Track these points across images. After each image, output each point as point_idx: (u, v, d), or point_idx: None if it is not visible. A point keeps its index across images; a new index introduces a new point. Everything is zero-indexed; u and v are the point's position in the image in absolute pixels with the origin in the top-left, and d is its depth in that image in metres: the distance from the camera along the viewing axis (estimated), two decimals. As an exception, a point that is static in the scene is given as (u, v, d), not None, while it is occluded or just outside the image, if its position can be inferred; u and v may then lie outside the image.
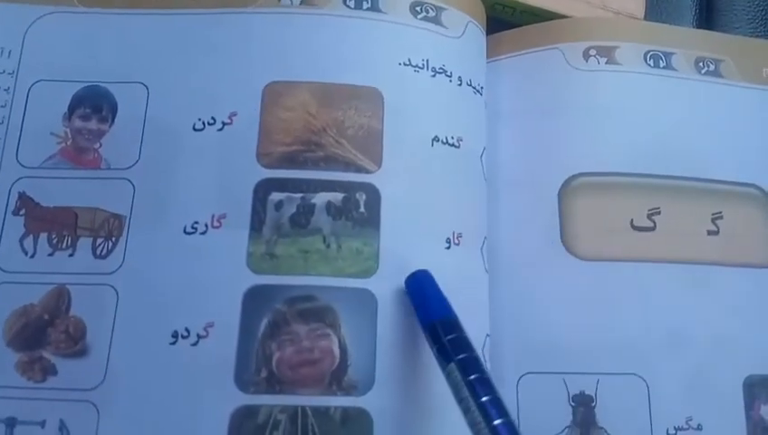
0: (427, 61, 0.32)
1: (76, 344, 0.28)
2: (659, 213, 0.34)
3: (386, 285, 0.29)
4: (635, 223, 0.34)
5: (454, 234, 0.31)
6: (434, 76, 0.32)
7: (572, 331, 0.32)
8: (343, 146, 0.30)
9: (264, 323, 0.28)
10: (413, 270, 0.29)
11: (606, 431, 0.31)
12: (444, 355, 0.26)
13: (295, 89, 0.31)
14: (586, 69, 0.36)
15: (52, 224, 0.30)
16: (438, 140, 0.32)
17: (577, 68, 0.36)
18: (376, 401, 0.27)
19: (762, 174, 0.35)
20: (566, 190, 0.34)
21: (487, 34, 0.36)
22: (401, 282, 0.29)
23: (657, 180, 0.35)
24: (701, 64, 0.37)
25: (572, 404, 0.31)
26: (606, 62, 0.36)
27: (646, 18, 0.39)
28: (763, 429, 0.32)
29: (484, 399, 0.24)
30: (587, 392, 0.31)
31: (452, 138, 0.32)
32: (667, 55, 0.37)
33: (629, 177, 0.35)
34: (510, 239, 0.34)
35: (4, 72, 0.32)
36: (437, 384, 0.28)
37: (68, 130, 0.31)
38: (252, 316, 0.28)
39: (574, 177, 0.34)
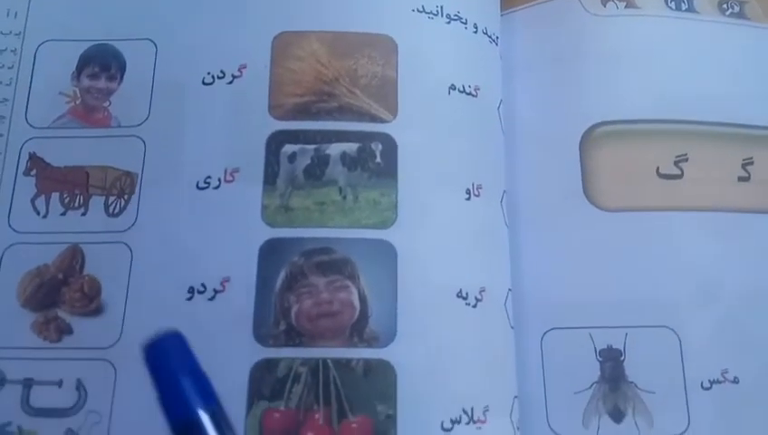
0: (442, 7, 0.31)
1: (91, 303, 0.27)
2: (687, 160, 0.33)
3: (405, 236, 0.28)
4: (661, 171, 0.33)
5: (473, 185, 0.30)
6: (449, 23, 0.31)
7: (598, 284, 0.31)
8: (357, 95, 0.30)
9: (282, 276, 0.27)
10: (430, 221, 0.28)
11: (636, 386, 0.30)
12: None
13: (305, 39, 0.30)
14: (605, 14, 0.35)
15: (63, 183, 0.29)
16: (455, 89, 0.31)
17: (595, 14, 0.35)
18: (399, 352, 0.26)
19: (793, 117, 0.34)
20: (587, 140, 0.33)
21: (501, -13, 0.35)
22: (421, 232, 0.28)
23: (683, 126, 0.33)
24: (725, 6, 0.36)
25: (600, 359, 0.30)
26: (625, 7, 0.35)
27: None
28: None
29: None
30: (615, 346, 0.30)
31: (469, 86, 0.31)
32: (690, -2, 0.35)
33: (654, 123, 0.33)
34: (530, 193, 0.32)
35: (10, 32, 0.31)
36: (461, 334, 0.28)
37: (77, 89, 0.30)
38: (268, 270, 0.27)
39: (595, 126, 0.33)
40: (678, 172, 0.33)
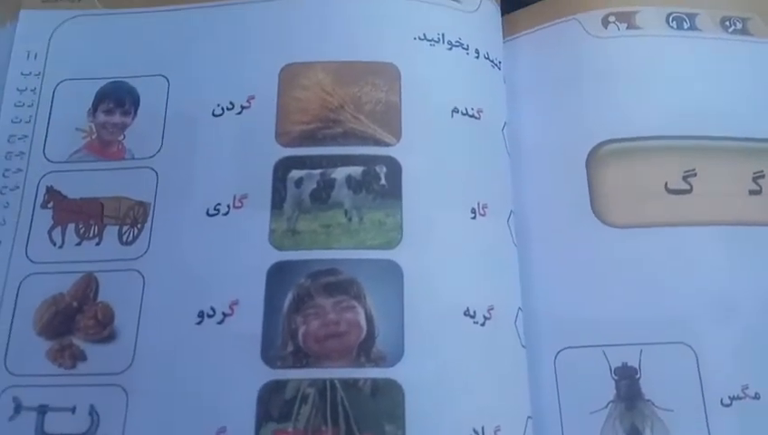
0: (443, 35, 0.32)
1: (104, 330, 0.28)
2: (695, 174, 0.33)
3: (411, 255, 0.28)
4: (669, 186, 0.33)
5: (479, 204, 0.30)
6: (450, 49, 0.32)
7: (610, 301, 0.31)
8: (361, 121, 0.30)
9: (289, 298, 0.27)
10: (435, 240, 0.28)
11: (653, 404, 0.29)
12: None
13: (310, 69, 0.31)
14: (606, 36, 0.35)
15: (79, 215, 0.30)
16: (458, 111, 0.31)
17: (597, 36, 0.35)
18: (406, 371, 0.26)
19: (802, 129, 0.34)
20: (593, 159, 0.33)
21: (502, 14, 0.35)
22: (427, 252, 0.28)
23: (690, 141, 0.33)
24: (727, 23, 0.36)
25: (615, 377, 0.30)
26: (626, 28, 0.35)
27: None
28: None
29: None
30: (630, 364, 0.30)
31: (472, 109, 0.32)
32: (691, 16, 0.36)
33: (659, 139, 0.33)
34: (538, 213, 0.33)
35: (30, 73, 0.33)
36: (469, 352, 0.27)
37: (93, 124, 0.32)
38: (276, 292, 0.28)
39: (601, 144, 0.33)
40: (687, 187, 0.33)
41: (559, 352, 0.30)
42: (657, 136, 0.33)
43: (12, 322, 0.28)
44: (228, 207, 0.29)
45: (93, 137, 0.31)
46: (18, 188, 0.31)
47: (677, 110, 0.34)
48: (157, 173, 0.30)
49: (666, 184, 0.33)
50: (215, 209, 0.29)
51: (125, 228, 0.30)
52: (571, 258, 0.32)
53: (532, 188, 0.33)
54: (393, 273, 0.28)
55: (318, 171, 0.29)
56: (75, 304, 0.28)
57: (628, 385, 0.29)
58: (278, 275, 0.28)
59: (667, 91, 0.34)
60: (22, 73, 0.33)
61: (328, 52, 0.31)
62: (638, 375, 0.30)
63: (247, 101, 0.31)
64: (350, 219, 0.29)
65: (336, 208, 0.29)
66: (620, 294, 0.31)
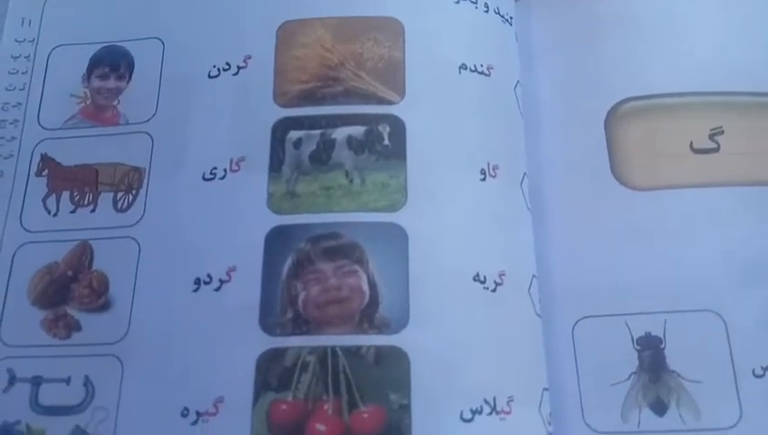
0: (448, -13, 0.31)
1: (99, 298, 0.27)
2: (722, 132, 0.31)
3: (416, 218, 0.27)
4: (695, 145, 0.31)
5: (489, 165, 0.28)
6: (457, 2, 0.30)
7: (632, 268, 0.29)
8: (363, 78, 0.29)
9: (288, 263, 0.26)
10: (442, 203, 0.27)
11: (679, 375, 0.27)
12: None
13: (309, 26, 0.30)
14: (626, -13, 0.33)
15: (73, 182, 0.29)
16: (466, 68, 0.29)
17: (616, -12, 0.33)
18: (412, 338, 0.25)
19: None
20: (612, 118, 0.31)
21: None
22: (433, 214, 0.27)
23: (717, 98, 0.31)
24: (758, -30, 0.33)
25: (637, 348, 0.28)
26: (647, -22, 0.33)
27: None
28: None
29: None
30: (654, 334, 0.28)
31: (481, 66, 0.30)
32: (718, -37, 0.33)
33: (685, 96, 0.31)
34: (554, 176, 0.31)
35: (24, 40, 0.32)
36: (479, 319, 0.26)
37: (87, 90, 0.31)
38: (275, 257, 0.26)
39: (620, 103, 0.32)
40: (714, 146, 0.31)
41: (577, 322, 0.29)
42: (682, 93, 0.31)
43: (6, 292, 0.28)
44: (225, 170, 0.28)
45: (88, 102, 0.31)
46: (12, 156, 0.30)
47: (703, 64, 0.32)
48: (152, 138, 0.29)
49: (691, 143, 0.31)
50: (211, 174, 0.28)
51: (120, 195, 0.29)
52: (590, 223, 0.30)
53: (547, 150, 0.31)
54: (397, 236, 0.26)
55: (317, 132, 0.28)
56: (70, 272, 0.28)
57: (651, 356, 0.28)
58: (277, 240, 0.27)
59: (692, 44, 0.32)
60: (16, 40, 0.32)
61: (327, 7, 0.30)
62: (663, 345, 0.28)
63: (244, 61, 0.30)
64: (351, 181, 0.27)
65: (337, 170, 0.27)
66: (643, 260, 0.29)
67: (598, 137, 0.31)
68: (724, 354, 0.27)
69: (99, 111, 0.30)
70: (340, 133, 0.28)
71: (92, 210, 0.29)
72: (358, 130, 0.28)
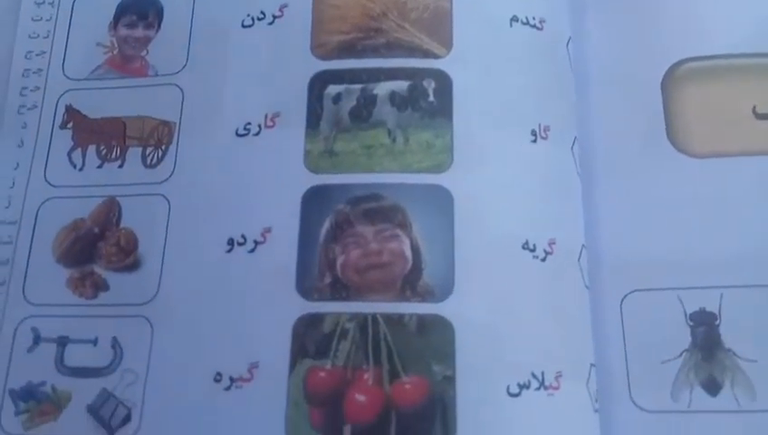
0: (499, -66, 0.28)
1: (128, 257, 0.26)
2: (788, 97, 0.29)
3: (462, 180, 0.25)
4: (758, 110, 0.29)
5: (540, 126, 0.27)
6: (507, -49, 0.28)
7: (686, 240, 0.27)
8: (406, 30, 0.27)
9: (326, 225, 0.25)
10: (490, 164, 0.25)
11: (734, 353, 0.26)
12: None
13: (350, -27, 0.28)
14: (687, -62, 0.31)
15: (100, 135, 0.28)
16: (518, 21, 0.28)
17: (676, -61, 0.31)
18: (457, 307, 0.24)
19: None
20: (670, 80, 0.29)
21: None
22: (480, 177, 0.25)
23: (783, 60, 0.29)
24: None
25: (691, 323, 0.26)
26: (711, -72, 0.31)
27: None
28: None
29: None
30: (708, 309, 0.26)
31: (533, 18, 0.28)
32: None
33: (749, 57, 0.30)
34: (606, 139, 0.29)
35: (48, -15, 0.30)
36: (528, 289, 0.24)
37: (114, 39, 0.29)
38: (312, 219, 0.25)
39: (679, 63, 0.30)
40: (779, 111, 0.29)
41: (626, 296, 0.27)
42: (745, 54, 0.29)
43: (30, 249, 0.27)
44: (259, 126, 0.27)
45: (115, 52, 0.29)
46: (36, 107, 0.29)
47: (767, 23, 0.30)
48: (182, 90, 0.28)
49: (754, 108, 0.29)
50: (245, 129, 0.27)
51: (149, 150, 0.27)
52: (643, 191, 0.28)
53: (599, 112, 0.29)
54: (442, 199, 0.25)
55: (358, 86, 0.27)
56: (96, 229, 0.27)
57: (705, 332, 0.26)
58: (314, 201, 0.25)
59: (756, 1, 0.30)
60: (39, -15, 0.30)
61: (370, -47, 0.28)
62: (718, 321, 0.26)
63: (280, 9, 0.28)
64: (393, 140, 0.26)
65: (378, 128, 0.26)
66: (699, 231, 0.27)
67: (654, 100, 0.29)
68: (784, 334, 0.26)
69: (126, 62, 0.29)
70: (381, 88, 0.26)
71: (120, 165, 0.28)
72: (401, 86, 0.26)
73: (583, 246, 0.27)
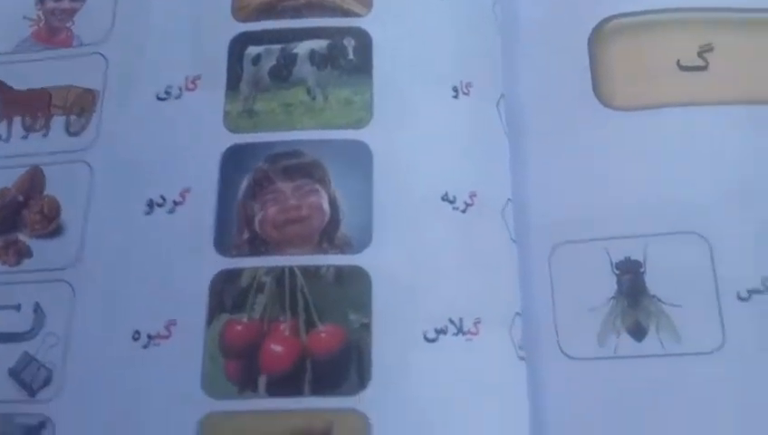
0: None
1: (51, 224, 0.26)
2: (712, 50, 0.29)
3: (382, 136, 0.25)
4: (682, 63, 0.29)
5: (462, 82, 0.27)
6: None
7: (613, 191, 0.28)
8: (326, -11, 0.27)
9: (245, 183, 0.25)
10: (411, 120, 0.25)
11: (659, 299, 0.26)
12: None
13: (269, -65, 0.28)
14: None
15: (26, 107, 0.28)
16: (439, -22, 0.28)
17: None
18: (374, 257, 0.24)
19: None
20: (597, 36, 0.30)
21: None
22: (400, 132, 0.26)
23: (706, 14, 0.30)
24: None
25: (616, 272, 0.27)
26: None
27: None
28: None
29: None
30: (633, 258, 0.27)
31: (454, -24, 0.28)
32: None
33: (672, 12, 0.30)
34: (534, 97, 0.29)
35: (-27, -40, 0.30)
36: (447, 239, 0.25)
37: (41, 12, 0.29)
38: (231, 178, 0.25)
39: (606, 20, 0.30)
40: (703, 64, 0.29)
41: (555, 248, 0.27)
42: (669, 8, 0.30)
43: (-45, 219, 0.27)
44: (180, 89, 0.27)
45: (41, 24, 0.29)
46: (-38, 81, 0.29)
47: (692, -21, 0.30)
48: (106, 59, 0.28)
49: (678, 61, 0.29)
50: (165, 93, 0.27)
51: (72, 118, 0.27)
52: (570, 145, 0.28)
53: (527, 69, 0.30)
54: (362, 154, 0.25)
55: (278, 46, 0.27)
56: (21, 197, 0.27)
57: (630, 280, 0.26)
58: (233, 160, 0.25)
59: (680, -42, 0.30)
60: (-36, -40, 0.30)
61: None
62: (643, 269, 0.26)
63: (200, -25, 0.28)
64: (313, 98, 0.26)
65: (298, 86, 0.26)
66: (625, 182, 0.28)
67: (581, 55, 0.29)
68: (708, 278, 0.26)
69: (52, 34, 0.29)
70: (301, 48, 0.26)
71: (44, 135, 0.27)
72: (320, 44, 0.26)
73: (509, 199, 0.27)
